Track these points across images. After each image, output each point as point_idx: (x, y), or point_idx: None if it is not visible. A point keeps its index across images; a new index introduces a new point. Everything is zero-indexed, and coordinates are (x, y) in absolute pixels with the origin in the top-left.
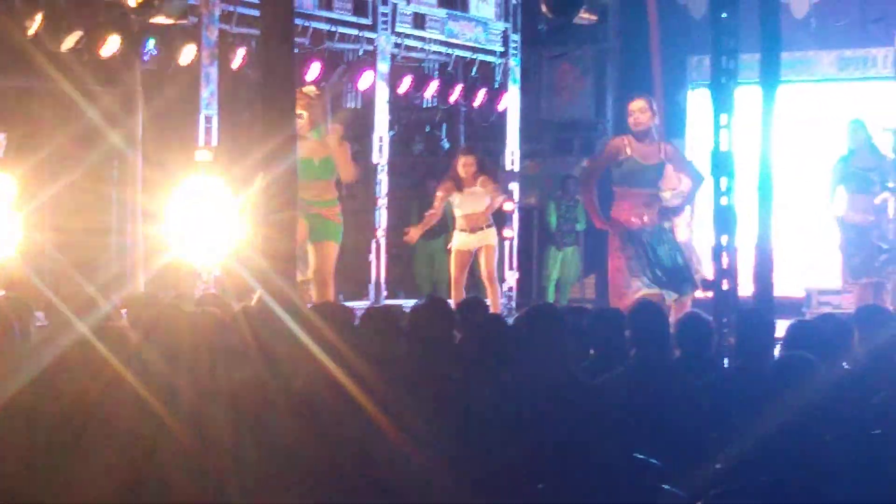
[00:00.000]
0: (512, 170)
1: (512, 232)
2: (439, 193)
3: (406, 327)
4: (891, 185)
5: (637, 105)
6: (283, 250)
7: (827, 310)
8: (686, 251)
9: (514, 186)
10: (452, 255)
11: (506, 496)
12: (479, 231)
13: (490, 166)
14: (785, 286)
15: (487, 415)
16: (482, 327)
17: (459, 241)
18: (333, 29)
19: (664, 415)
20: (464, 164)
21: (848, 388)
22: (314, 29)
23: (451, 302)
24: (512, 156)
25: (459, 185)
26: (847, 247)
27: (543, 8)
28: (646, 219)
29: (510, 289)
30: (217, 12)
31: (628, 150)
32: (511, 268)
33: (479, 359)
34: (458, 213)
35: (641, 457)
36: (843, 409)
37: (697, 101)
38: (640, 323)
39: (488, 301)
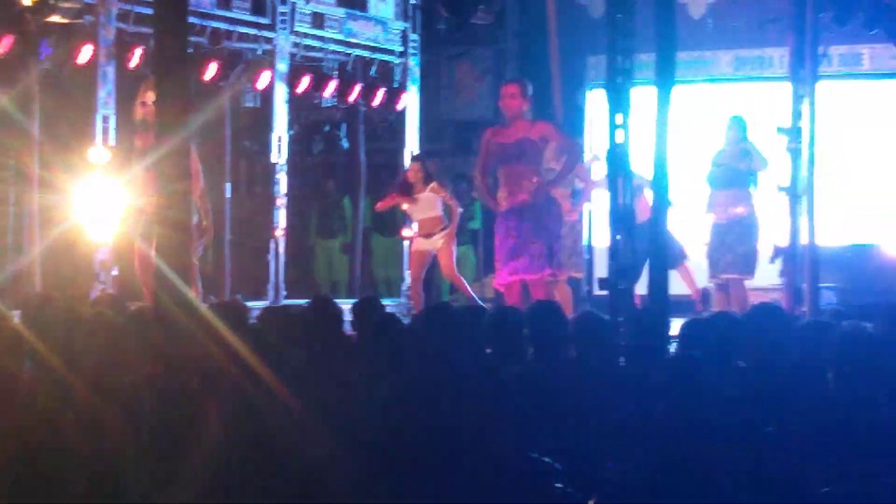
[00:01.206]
0: None
1: (411, 231)
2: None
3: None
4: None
5: (507, 90)
6: (178, 219)
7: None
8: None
9: None
10: (411, 255)
11: (400, 495)
12: (433, 236)
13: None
14: (684, 285)
15: (383, 414)
16: (378, 327)
17: (416, 243)
18: (232, 28)
19: (559, 413)
20: (412, 171)
21: (741, 385)
22: (212, 28)
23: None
24: (411, 155)
25: (409, 192)
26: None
27: (441, 8)
28: (512, 197)
29: (409, 288)
30: (114, 11)
31: (495, 138)
32: (409, 268)
33: (375, 358)
34: (413, 219)
35: (535, 455)
36: (736, 406)
37: (596, 100)
38: (537, 322)
39: None
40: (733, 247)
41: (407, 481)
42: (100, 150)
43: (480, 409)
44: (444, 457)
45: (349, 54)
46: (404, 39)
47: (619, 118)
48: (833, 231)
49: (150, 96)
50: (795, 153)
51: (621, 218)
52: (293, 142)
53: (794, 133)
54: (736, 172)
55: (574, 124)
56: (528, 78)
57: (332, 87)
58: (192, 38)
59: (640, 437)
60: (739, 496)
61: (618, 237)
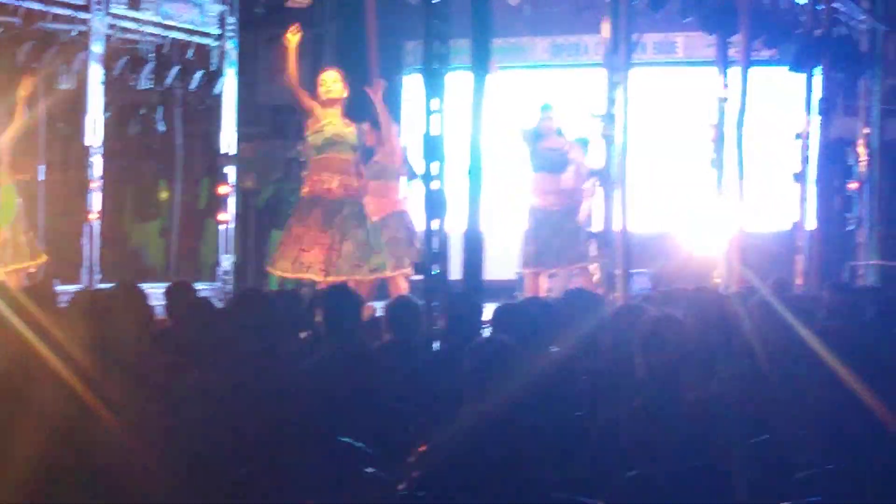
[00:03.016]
0: (227, 153)
1: (227, 215)
2: None
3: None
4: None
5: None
6: None
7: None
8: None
9: (231, 170)
10: None
11: (213, 481)
12: None
13: None
14: (499, 270)
15: (195, 400)
16: (190, 312)
17: None
18: (46, 9)
19: (371, 398)
20: None
21: (553, 370)
22: (26, 9)
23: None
24: (228, 139)
25: None
26: (528, 233)
27: None
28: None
29: (226, 272)
30: None
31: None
32: (227, 252)
33: (187, 343)
34: None
35: (347, 440)
36: (547, 391)
37: (412, 86)
38: (332, 306)
39: None
40: (575, 234)
41: (220, 467)
42: None
43: (290, 395)
44: (252, 442)
45: (166, 37)
46: (222, 22)
47: (434, 103)
48: (646, 217)
49: None
50: (609, 140)
51: (436, 203)
52: (108, 124)
53: (608, 119)
54: (555, 159)
55: (391, 110)
56: (345, 62)
57: (148, 69)
58: (5, 19)
59: (451, 421)
60: (549, 480)
61: (433, 222)
